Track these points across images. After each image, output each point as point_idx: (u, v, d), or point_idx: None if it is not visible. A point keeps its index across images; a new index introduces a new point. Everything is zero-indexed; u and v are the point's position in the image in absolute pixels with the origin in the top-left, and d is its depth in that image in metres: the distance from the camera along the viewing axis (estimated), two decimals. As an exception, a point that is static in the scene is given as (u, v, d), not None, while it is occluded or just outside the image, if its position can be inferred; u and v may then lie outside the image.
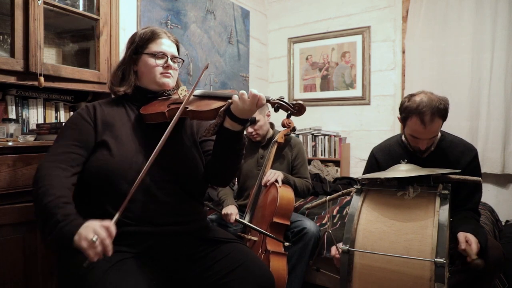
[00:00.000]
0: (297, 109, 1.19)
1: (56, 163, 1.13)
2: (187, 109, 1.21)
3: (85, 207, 1.15)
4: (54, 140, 1.24)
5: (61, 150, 1.17)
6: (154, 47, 1.32)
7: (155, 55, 1.31)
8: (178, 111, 1.17)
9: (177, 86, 1.41)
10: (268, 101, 1.19)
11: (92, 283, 1.05)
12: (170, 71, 1.33)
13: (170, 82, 1.35)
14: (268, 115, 2.32)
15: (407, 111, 1.60)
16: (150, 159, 1.08)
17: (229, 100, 1.18)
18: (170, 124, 1.14)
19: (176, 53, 1.37)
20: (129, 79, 1.33)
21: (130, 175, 1.15)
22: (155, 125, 1.27)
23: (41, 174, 1.10)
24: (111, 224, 0.97)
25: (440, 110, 1.54)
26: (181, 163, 1.28)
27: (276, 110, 1.21)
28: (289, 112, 1.20)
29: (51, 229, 0.98)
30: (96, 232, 0.94)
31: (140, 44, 1.32)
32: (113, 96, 1.39)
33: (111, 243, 0.95)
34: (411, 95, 1.63)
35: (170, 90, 1.36)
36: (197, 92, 1.30)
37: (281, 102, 1.19)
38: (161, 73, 1.32)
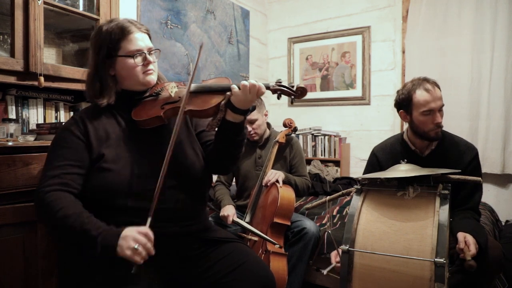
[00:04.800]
0: (299, 92, 1.17)
1: (57, 187, 1.08)
2: (186, 109, 1.16)
3: None
4: (46, 160, 1.16)
5: (57, 172, 1.10)
6: (128, 46, 1.20)
7: (132, 56, 1.20)
8: (179, 115, 1.11)
9: (159, 78, 1.34)
10: (268, 88, 1.18)
11: (92, 282, 1.05)
12: (151, 66, 1.24)
13: (154, 78, 1.27)
14: (266, 115, 2.32)
15: (406, 93, 1.67)
16: (162, 172, 1.06)
17: (228, 93, 1.16)
18: (174, 132, 1.09)
19: (150, 44, 1.26)
20: (109, 87, 1.21)
21: (133, 188, 1.13)
22: (150, 129, 1.22)
23: (49, 200, 1.05)
24: (147, 229, 1.02)
25: (434, 80, 1.65)
26: (182, 167, 1.23)
27: (278, 97, 1.19)
28: (292, 97, 1.18)
29: (91, 247, 1.00)
30: (136, 240, 0.99)
31: (111, 46, 1.20)
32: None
33: (152, 245, 1.01)
34: (400, 88, 1.73)
35: (158, 88, 1.28)
36: (191, 87, 1.22)
37: (283, 88, 1.17)
38: (143, 72, 1.23)
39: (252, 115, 2.19)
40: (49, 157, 1.16)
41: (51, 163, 1.13)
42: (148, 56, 1.23)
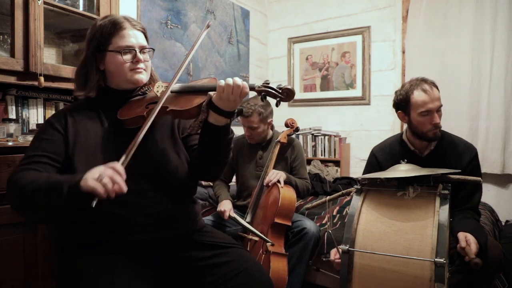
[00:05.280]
0: (286, 94, 1.09)
1: (29, 167, 1.04)
2: (168, 109, 1.11)
3: (66, 222, 1.12)
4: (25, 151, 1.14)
5: (31, 160, 1.07)
6: (118, 42, 1.17)
7: (121, 52, 1.16)
8: (155, 112, 1.07)
9: (152, 79, 1.29)
10: (253, 89, 1.11)
11: (89, 285, 1.04)
12: (141, 65, 1.19)
13: (144, 77, 1.21)
14: (270, 123, 2.28)
15: (404, 94, 1.66)
16: (123, 159, 0.97)
17: (210, 93, 1.10)
18: (141, 129, 1.03)
19: (144, 43, 1.22)
20: (91, 81, 1.18)
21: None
22: (132, 130, 1.14)
23: (16, 178, 1.01)
24: (117, 163, 0.93)
25: (432, 81, 1.64)
26: (165, 171, 1.18)
27: (263, 98, 1.11)
28: (277, 99, 1.10)
29: (58, 194, 0.92)
30: (101, 172, 0.90)
31: (102, 41, 1.17)
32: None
33: (123, 180, 0.90)
34: (398, 89, 1.73)
35: (146, 87, 1.23)
36: (175, 86, 1.18)
37: (268, 89, 1.10)
38: (131, 70, 1.18)
39: (253, 123, 2.17)
40: (28, 147, 1.13)
41: (27, 154, 1.10)
42: (138, 54, 1.19)
